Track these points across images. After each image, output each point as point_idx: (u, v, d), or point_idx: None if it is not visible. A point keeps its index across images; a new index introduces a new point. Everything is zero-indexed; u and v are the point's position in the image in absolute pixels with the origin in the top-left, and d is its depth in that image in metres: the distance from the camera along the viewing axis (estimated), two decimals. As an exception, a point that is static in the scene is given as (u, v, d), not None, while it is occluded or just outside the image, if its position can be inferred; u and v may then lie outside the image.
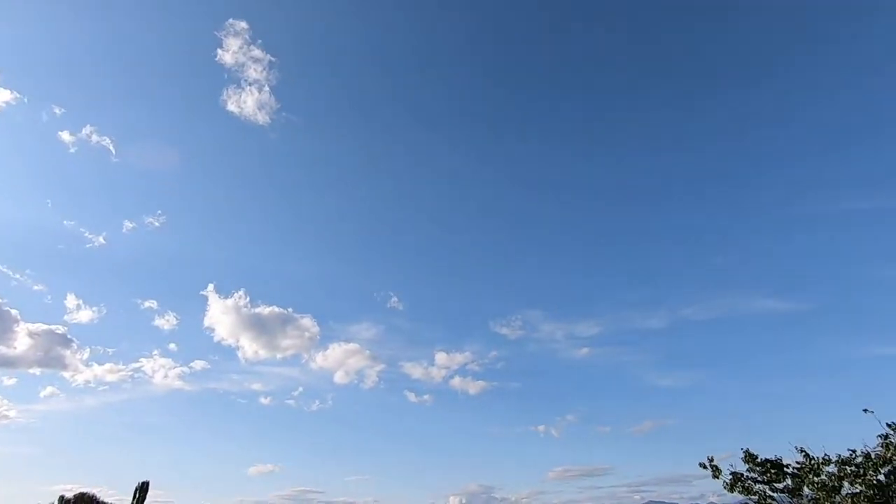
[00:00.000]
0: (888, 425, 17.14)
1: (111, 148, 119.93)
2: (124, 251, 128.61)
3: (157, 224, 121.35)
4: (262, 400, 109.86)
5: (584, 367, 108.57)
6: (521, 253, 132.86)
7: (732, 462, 18.45)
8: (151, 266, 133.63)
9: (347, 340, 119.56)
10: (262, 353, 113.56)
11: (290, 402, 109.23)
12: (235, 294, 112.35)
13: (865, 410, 17.73)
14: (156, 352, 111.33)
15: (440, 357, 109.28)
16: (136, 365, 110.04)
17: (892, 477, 16.37)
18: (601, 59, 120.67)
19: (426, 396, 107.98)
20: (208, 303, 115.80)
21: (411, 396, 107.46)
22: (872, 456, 16.50)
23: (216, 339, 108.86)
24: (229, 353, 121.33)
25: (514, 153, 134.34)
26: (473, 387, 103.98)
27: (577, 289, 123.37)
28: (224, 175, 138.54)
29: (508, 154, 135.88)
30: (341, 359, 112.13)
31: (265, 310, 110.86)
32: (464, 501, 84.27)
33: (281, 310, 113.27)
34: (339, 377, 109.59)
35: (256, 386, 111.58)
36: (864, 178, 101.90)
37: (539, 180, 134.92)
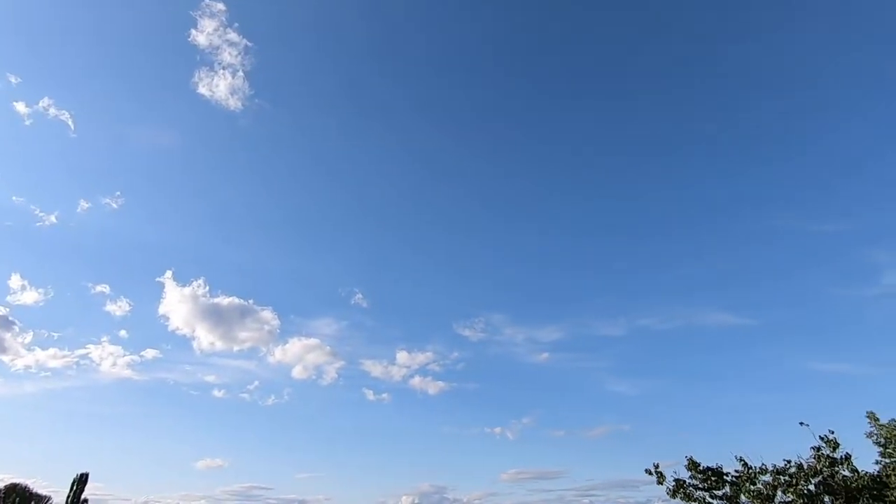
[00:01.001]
0: (821, 438, 18.07)
1: (70, 123, 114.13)
2: (77, 232, 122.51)
3: (114, 206, 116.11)
4: (216, 392, 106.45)
5: (544, 372, 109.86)
6: (488, 257, 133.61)
7: (679, 469, 19.08)
8: (106, 249, 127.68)
9: (308, 335, 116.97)
10: (219, 345, 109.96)
11: (245, 395, 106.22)
12: (194, 282, 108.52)
13: (802, 423, 18.67)
14: (105, 338, 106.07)
15: (401, 356, 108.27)
16: (83, 351, 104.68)
17: (821, 487, 17.24)
18: (593, 63, 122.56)
19: (384, 395, 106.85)
20: (164, 290, 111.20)
21: (369, 394, 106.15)
22: (805, 466, 17.34)
23: (171, 327, 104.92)
24: (184, 343, 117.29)
25: (492, 157, 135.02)
26: (433, 387, 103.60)
27: (540, 295, 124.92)
28: (190, 159, 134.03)
29: (486, 159, 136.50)
30: (300, 354, 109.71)
31: (225, 300, 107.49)
32: (416, 501, 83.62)
33: (241, 301, 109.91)
34: (297, 372, 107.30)
35: (210, 378, 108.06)
36: (820, 201, 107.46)
37: (510, 187, 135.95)
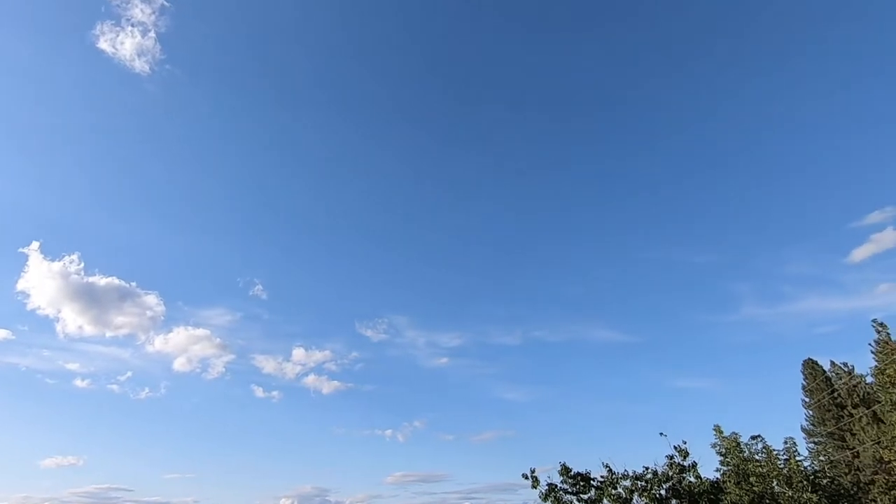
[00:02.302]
0: (675, 447, 20.21)
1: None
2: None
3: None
4: (78, 382, 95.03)
5: (441, 376, 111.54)
6: (397, 260, 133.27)
7: (553, 474, 20.36)
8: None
9: (196, 325, 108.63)
10: (88, 329, 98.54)
11: (114, 387, 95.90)
12: (66, 258, 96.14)
13: (661, 434, 20.78)
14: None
15: (298, 353, 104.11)
16: None
17: (670, 492, 19.28)
18: (518, 71, 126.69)
19: (275, 392, 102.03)
20: (28, 263, 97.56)
21: (258, 391, 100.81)
22: (659, 473, 19.30)
23: (30, 306, 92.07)
24: (45, 324, 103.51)
25: (417, 155, 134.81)
26: (328, 386, 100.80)
27: (445, 301, 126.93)
28: (77, 119, 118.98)
29: (408, 155, 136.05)
30: (185, 344, 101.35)
31: (102, 280, 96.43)
32: (295, 503, 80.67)
33: (122, 282, 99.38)
34: (179, 364, 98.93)
35: (73, 366, 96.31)
36: (693, 235, 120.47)
37: (424, 192, 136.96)
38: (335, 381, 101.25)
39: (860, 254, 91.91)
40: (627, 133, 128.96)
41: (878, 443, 31.52)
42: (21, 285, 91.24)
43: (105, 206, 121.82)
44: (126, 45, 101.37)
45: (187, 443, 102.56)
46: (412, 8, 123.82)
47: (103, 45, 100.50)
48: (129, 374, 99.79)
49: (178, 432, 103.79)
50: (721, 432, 23.92)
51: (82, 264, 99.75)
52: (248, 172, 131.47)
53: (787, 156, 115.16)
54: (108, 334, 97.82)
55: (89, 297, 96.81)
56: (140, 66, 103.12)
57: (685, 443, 20.17)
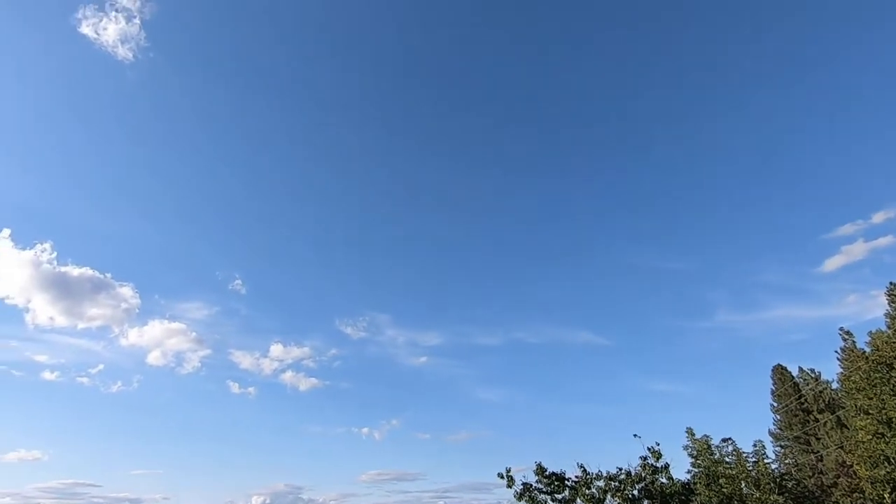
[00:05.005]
0: (648, 449, 20.52)
1: None
2: None
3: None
4: (46, 374, 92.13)
5: (420, 375, 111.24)
6: (379, 256, 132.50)
7: (528, 474, 20.50)
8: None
9: (173, 318, 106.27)
10: (60, 321, 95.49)
11: (84, 380, 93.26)
12: (38, 246, 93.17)
13: (635, 435, 21.09)
14: None
15: (276, 349, 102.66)
16: None
17: (643, 492, 19.56)
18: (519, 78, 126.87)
19: (251, 389, 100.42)
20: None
21: (234, 387, 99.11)
22: (632, 474, 19.57)
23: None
24: (13, 314, 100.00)
25: (400, 156, 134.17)
26: (305, 383, 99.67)
27: (426, 300, 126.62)
28: (54, 104, 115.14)
29: (391, 156, 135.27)
30: (160, 338, 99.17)
31: (75, 270, 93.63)
32: (268, 501, 79.66)
33: (96, 273, 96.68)
34: (153, 358, 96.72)
35: (42, 357, 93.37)
36: (670, 242, 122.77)
37: (411, 191, 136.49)
38: (313, 378, 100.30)
39: (832, 264, 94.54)
40: (608, 141, 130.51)
41: (842, 447, 32.56)
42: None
43: (81, 195, 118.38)
44: (109, 30, 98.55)
45: (159, 438, 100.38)
46: (403, 8, 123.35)
47: (85, 29, 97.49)
48: (101, 367, 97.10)
49: (150, 427, 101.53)
50: (693, 435, 24.40)
51: (55, 253, 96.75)
52: (229, 165, 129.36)
53: (764, 168, 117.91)
54: (81, 326, 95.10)
55: (61, 288, 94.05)
56: (123, 52, 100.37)
57: (658, 444, 20.53)
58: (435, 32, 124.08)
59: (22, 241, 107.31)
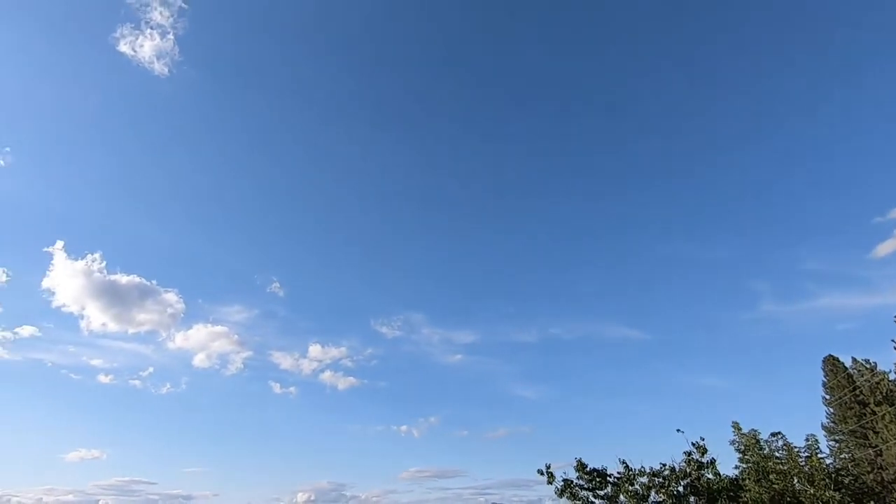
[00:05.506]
0: (693, 444, 19.95)
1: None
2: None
3: (0, 162, 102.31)
4: (102, 378, 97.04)
5: (455, 373, 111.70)
6: (411, 256, 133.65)
7: (569, 470, 20.26)
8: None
9: (215, 322, 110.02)
10: (112, 326, 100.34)
11: (136, 382, 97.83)
12: (89, 256, 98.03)
13: (679, 430, 20.52)
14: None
15: (314, 349, 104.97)
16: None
17: (688, 488, 19.04)
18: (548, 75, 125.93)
19: (292, 388, 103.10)
20: (53, 261, 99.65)
21: (276, 387, 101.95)
22: (676, 469, 19.08)
23: (55, 304, 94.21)
24: (69, 321, 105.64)
25: (434, 153, 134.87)
26: (343, 382, 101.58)
27: (460, 298, 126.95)
28: (99, 120, 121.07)
29: (426, 153, 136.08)
30: (205, 341, 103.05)
31: (124, 278, 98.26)
32: (312, 498, 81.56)
33: (143, 280, 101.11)
34: (198, 360, 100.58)
35: (97, 362, 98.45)
36: (713, 231, 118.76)
37: (438, 189, 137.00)
38: (350, 378, 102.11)
39: (884, 249, 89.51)
40: (644, 127, 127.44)
41: (903, 441, 30.85)
42: (46, 283, 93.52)
43: (125, 206, 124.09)
44: (145, 47, 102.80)
45: (207, 437, 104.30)
46: (426, 11, 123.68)
47: (123, 47, 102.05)
48: (151, 369, 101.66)
49: (198, 427, 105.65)
50: (740, 429, 23.58)
51: (104, 263, 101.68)
52: (265, 171, 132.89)
53: (808, 149, 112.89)
54: (131, 331, 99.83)
55: (112, 295, 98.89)
56: (159, 68, 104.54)
57: (703, 439, 19.92)
58: (443, 32, 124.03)
59: (74, 251, 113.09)
